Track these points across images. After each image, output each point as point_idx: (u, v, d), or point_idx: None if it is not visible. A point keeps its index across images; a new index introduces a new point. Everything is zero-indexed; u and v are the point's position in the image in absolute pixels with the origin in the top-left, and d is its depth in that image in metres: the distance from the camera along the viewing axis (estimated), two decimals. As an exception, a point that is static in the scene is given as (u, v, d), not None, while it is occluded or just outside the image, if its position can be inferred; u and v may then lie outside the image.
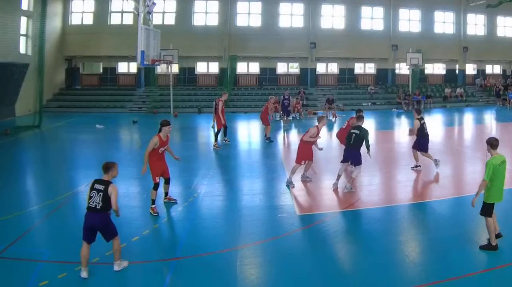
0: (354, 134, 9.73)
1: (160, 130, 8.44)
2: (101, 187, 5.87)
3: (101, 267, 6.11)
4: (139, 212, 8.68)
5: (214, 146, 15.23)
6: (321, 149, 10.75)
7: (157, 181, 8.42)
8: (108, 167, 6.04)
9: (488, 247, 6.58)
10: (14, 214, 8.33)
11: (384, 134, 19.93)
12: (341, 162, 10.01)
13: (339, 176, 9.98)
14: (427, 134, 11.53)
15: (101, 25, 29.28)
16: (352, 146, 9.74)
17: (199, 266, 6.32)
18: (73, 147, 16.90)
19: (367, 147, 9.75)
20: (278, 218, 8.32)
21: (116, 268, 6.07)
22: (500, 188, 6.49)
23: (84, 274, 5.82)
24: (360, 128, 9.81)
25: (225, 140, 16.03)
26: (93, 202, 5.84)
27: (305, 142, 10.21)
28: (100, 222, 5.86)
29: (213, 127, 20.26)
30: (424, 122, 11.50)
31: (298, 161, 10.28)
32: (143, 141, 17.05)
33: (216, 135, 15.66)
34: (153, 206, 8.41)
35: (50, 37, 26.09)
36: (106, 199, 5.83)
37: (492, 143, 6.50)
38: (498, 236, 6.69)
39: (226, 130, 15.98)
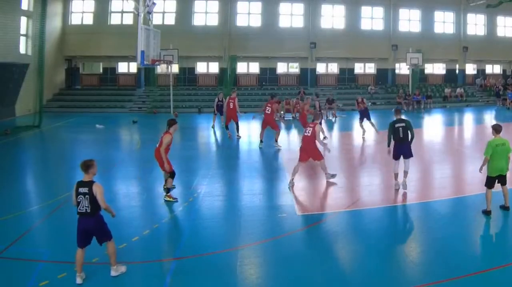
0: (401, 128, 9.50)
1: (168, 129, 9.03)
2: (85, 190, 5.64)
3: (101, 267, 6.10)
4: (139, 212, 8.68)
5: (237, 136, 17.17)
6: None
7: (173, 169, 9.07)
8: (87, 165, 5.75)
9: (485, 212, 7.84)
10: (14, 214, 8.34)
11: (385, 134, 19.77)
12: (394, 158, 9.67)
13: (397, 175, 9.73)
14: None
15: (101, 25, 29.27)
16: (404, 139, 9.52)
17: (199, 266, 6.32)
18: (73, 147, 16.90)
19: (412, 137, 9.60)
20: (278, 218, 8.31)
21: (113, 273, 5.91)
22: (497, 165, 7.80)
23: (78, 280, 5.68)
24: (403, 120, 9.71)
25: (237, 135, 17.34)
26: (82, 207, 5.64)
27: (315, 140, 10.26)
28: (95, 225, 5.71)
29: (213, 127, 20.30)
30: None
31: (320, 157, 10.42)
32: (143, 141, 17.05)
33: (237, 128, 17.32)
34: (169, 193, 9.04)
35: (50, 37, 26.08)
36: (94, 200, 5.65)
37: (496, 128, 8.02)
38: (506, 208, 7.96)
39: (238, 126, 17.41)
